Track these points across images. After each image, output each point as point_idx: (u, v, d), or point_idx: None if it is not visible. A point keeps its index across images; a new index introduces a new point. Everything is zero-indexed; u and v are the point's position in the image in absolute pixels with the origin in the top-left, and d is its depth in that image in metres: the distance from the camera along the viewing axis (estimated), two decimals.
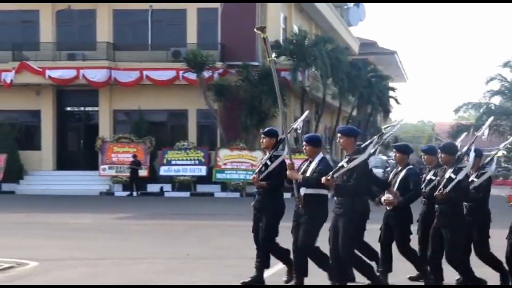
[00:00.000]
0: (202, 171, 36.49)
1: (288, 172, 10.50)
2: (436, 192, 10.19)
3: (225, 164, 35.94)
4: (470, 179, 10.79)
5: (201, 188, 36.48)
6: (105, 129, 39.05)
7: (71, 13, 39.03)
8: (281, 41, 39.10)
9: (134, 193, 35.79)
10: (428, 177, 11.12)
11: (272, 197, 10.76)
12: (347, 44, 52.03)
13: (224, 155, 36.13)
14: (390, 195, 11.00)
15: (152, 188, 36.94)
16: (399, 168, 11.40)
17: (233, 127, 35.92)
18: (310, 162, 10.51)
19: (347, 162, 9.86)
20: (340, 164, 10.02)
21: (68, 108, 40.64)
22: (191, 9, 38.78)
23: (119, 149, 37.48)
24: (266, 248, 10.69)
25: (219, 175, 36.19)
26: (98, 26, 39.32)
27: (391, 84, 56.10)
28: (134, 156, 35.99)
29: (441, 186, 10.14)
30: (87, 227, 21.02)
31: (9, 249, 15.32)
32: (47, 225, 21.38)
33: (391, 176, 11.66)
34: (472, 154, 10.40)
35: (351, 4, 55.01)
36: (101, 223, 22.20)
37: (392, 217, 11.11)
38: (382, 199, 11.08)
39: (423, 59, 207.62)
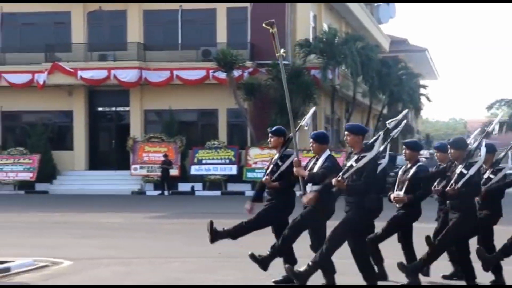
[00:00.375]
0: (232, 170, 36.61)
1: (294, 169, 10.40)
2: (448, 188, 10.09)
3: (255, 162, 36.02)
4: (486, 176, 10.85)
5: (231, 187, 36.59)
6: (136, 129, 39.26)
7: (102, 14, 39.33)
8: (311, 40, 39.05)
9: (165, 192, 35.97)
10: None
11: (284, 196, 10.72)
12: (378, 42, 51.92)
13: (254, 154, 36.22)
14: (400, 193, 10.94)
15: (183, 187, 37.14)
16: (409, 165, 11.28)
17: (263, 125, 35.74)
18: (317, 159, 10.45)
19: (356, 161, 9.73)
20: (349, 164, 9.85)
21: (100, 108, 40.93)
22: (221, 9, 38.86)
23: (150, 149, 37.67)
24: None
25: (249, 174, 36.27)
26: (129, 27, 39.55)
27: (422, 82, 55.84)
28: (165, 156, 36.17)
29: (452, 181, 10.05)
30: (119, 227, 21.14)
31: (43, 248, 15.47)
32: (80, 225, 21.61)
33: (400, 173, 11.46)
34: (483, 149, 10.31)
35: (381, 2, 54.65)
36: (133, 222, 22.33)
37: (402, 215, 11.02)
38: (392, 196, 11.02)
39: (454, 56, 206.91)
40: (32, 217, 24.50)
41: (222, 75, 36.66)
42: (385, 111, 48.00)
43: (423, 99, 53.12)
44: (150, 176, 37.47)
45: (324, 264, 10.06)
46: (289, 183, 10.69)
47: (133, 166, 37.92)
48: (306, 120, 11.20)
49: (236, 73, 36.73)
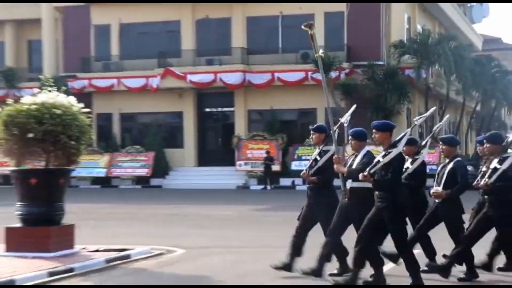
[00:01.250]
0: None
1: (334, 166, 10.31)
2: (481, 183, 9.89)
3: None
4: None
5: None
6: (240, 128, 39.65)
7: (209, 22, 39.88)
8: (405, 41, 38.72)
9: (268, 187, 36.25)
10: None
11: (324, 191, 10.63)
12: (470, 41, 51.05)
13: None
14: (438, 188, 10.58)
15: (285, 182, 37.27)
16: (447, 160, 10.85)
17: (359, 124, 35.47)
18: (356, 156, 10.34)
19: (383, 157, 9.53)
20: (376, 159, 9.66)
21: (207, 109, 41.46)
22: (319, 14, 38.86)
23: (253, 146, 37.98)
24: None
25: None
26: (233, 33, 39.95)
27: None
28: (267, 152, 36.47)
29: (486, 176, 9.82)
30: (227, 218, 21.44)
31: (158, 237, 15.97)
32: (191, 216, 22.08)
33: (439, 168, 11.05)
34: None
35: (475, 3, 53.61)
36: (240, 214, 22.59)
37: (441, 209, 10.61)
38: (431, 191, 10.68)
39: None
40: (148, 209, 25.21)
41: (319, 76, 36.66)
42: (478, 108, 47.14)
43: None
44: (254, 172, 37.77)
45: (368, 259, 9.95)
46: (327, 177, 10.64)
47: (238, 162, 38.30)
48: (345, 118, 11.18)
49: (334, 74, 36.71)
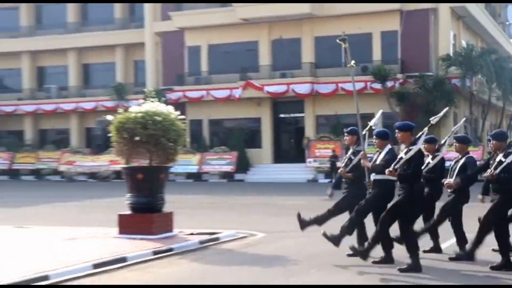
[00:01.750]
0: None
1: (361, 161, 10.38)
2: (487, 174, 9.74)
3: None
4: None
5: None
6: (309, 131, 39.65)
7: (282, 41, 39.92)
8: (451, 54, 38.16)
9: (333, 180, 35.98)
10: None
11: (358, 185, 10.58)
12: (509, 53, 50.06)
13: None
14: (450, 180, 10.56)
15: None
16: (459, 156, 10.80)
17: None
18: (380, 153, 10.32)
19: (405, 154, 9.55)
20: (399, 156, 9.66)
21: (281, 115, 41.50)
22: (376, 33, 38.69)
23: (321, 146, 37.94)
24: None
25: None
26: (303, 50, 39.97)
27: None
28: (333, 151, 36.33)
29: (491, 168, 9.69)
30: (300, 207, 21.31)
31: (242, 223, 16.10)
32: (269, 205, 22.14)
33: (452, 163, 10.92)
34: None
35: None
36: (311, 203, 22.33)
37: (451, 199, 10.69)
38: (445, 182, 10.67)
39: None
40: (232, 199, 25.32)
41: (377, 86, 36.53)
42: None
43: None
44: (321, 168, 37.66)
45: (381, 239, 10.02)
46: (358, 174, 10.55)
47: (308, 160, 38.29)
48: (374, 121, 11.19)
49: (389, 84, 36.56)
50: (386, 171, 9.60)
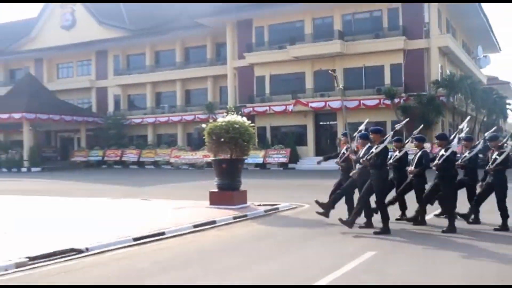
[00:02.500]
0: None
1: (349, 155, 10.26)
2: (487, 167, 9.68)
3: None
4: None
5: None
6: (340, 133, 38.95)
7: (321, 71, 39.47)
8: (439, 79, 37.17)
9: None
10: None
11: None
12: (479, 79, 48.38)
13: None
14: (412, 167, 10.24)
15: None
16: (417, 150, 10.42)
17: (411, 131, 34.67)
18: (363, 150, 9.91)
19: (375, 149, 9.44)
20: (370, 151, 9.51)
21: (321, 123, 40.98)
22: (387, 65, 37.86)
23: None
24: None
25: None
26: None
27: (508, 101, 50.64)
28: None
29: (490, 163, 9.63)
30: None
31: (294, 198, 16.00)
32: (313, 186, 21.85)
33: (412, 156, 10.51)
34: (510, 142, 9.96)
35: (481, 55, 51.21)
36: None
37: (415, 181, 10.32)
38: (409, 169, 10.31)
39: None
40: (287, 182, 25.29)
41: (388, 102, 35.81)
42: (485, 119, 44.64)
43: (508, 111, 48.64)
44: None
45: (364, 210, 9.91)
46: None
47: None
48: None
49: (396, 100, 35.72)
50: (361, 160, 9.57)
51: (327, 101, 37.88)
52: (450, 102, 36.86)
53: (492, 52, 55.76)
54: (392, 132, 10.08)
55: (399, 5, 37.35)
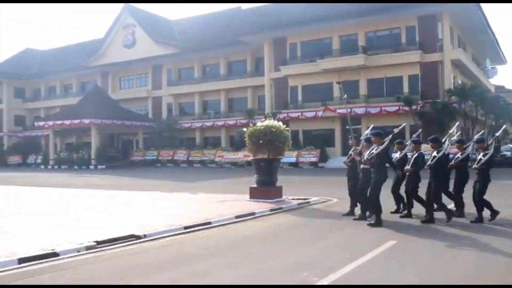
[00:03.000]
0: None
1: (354, 156, 10.03)
2: (474, 166, 9.39)
3: None
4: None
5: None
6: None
7: (347, 82, 38.17)
8: (452, 88, 36.18)
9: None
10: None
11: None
12: (488, 87, 47.11)
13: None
14: (408, 167, 9.86)
15: None
16: (414, 152, 10.06)
17: (428, 134, 33.84)
18: (367, 151, 9.64)
19: (375, 150, 9.18)
20: (371, 151, 9.26)
21: (347, 127, 40.21)
22: (405, 76, 37.09)
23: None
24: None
25: None
26: (360, 87, 38.66)
27: None
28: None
29: (476, 162, 9.40)
30: None
31: (324, 192, 15.70)
32: (339, 182, 21.28)
33: (409, 156, 10.18)
34: (493, 145, 9.68)
35: (490, 67, 49.51)
36: None
37: (410, 179, 9.95)
38: (405, 169, 9.94)
39: None
40: (317, 178, 25.00)
41: (406, 108, 35.02)
42: (493, 123, 43.14)
43: None
44: None
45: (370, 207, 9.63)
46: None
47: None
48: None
49: (414, 107, 34.88)
50: (363, 160, 9.36)
51: (353, 108, 37.23)
52: (462, 109, 35.92)
53: (499, 64, 53.96)
54: (390, 136, 9.83)
55: (416, 22, 36.63)
